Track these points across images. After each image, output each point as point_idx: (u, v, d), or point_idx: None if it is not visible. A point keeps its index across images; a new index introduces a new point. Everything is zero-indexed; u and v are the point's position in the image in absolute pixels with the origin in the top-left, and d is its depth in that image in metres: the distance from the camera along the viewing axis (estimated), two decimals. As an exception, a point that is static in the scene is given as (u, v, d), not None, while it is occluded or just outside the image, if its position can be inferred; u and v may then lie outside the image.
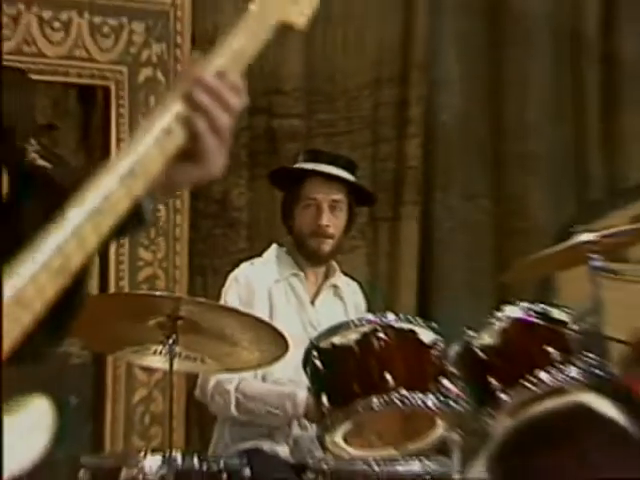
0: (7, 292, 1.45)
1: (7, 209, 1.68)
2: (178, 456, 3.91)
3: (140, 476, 3.86)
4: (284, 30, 1.82)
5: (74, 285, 1.55)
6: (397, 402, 3.68)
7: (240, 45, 1.64)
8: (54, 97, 4.83)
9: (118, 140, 5.02)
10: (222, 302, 4.30)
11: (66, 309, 1.64)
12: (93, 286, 4.77)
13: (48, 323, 1.57)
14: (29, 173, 1.80)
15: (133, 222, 1.64)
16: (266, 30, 1.68)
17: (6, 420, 1.50)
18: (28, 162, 2.09)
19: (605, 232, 4.18)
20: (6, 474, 1.54)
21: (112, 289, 5.08)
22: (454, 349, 3.86)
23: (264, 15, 1.67)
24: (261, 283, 4.30)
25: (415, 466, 3.92)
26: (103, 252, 1.67)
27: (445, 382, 3.74)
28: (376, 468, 3.88)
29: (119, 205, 1.52)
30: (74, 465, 4.05)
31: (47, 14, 4.59)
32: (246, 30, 1.65)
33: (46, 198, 1.71)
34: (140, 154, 1.55)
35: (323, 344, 3.80)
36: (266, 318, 4.06)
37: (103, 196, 1.52)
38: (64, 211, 1.51)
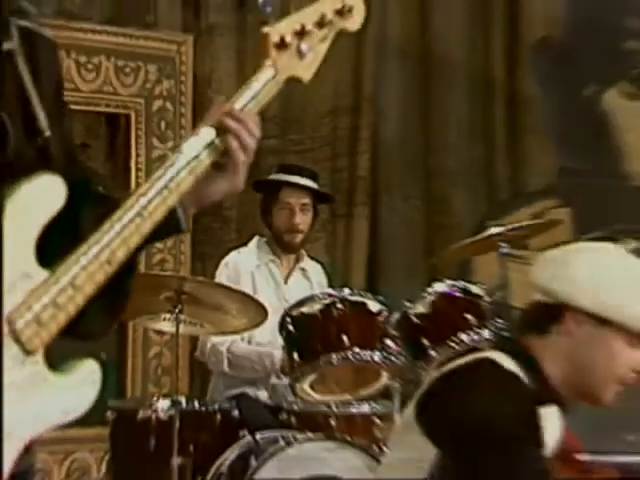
0: (65, 278, 1.46)
1: (66, 212, 1.58)
2: (183, 400, 3.90)
3: (154, 415, 3.86)
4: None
5: (122, 275, 1.54)
6: (351, 358, 3.69)
7: (255, 93, 1.64)
8: (87, 123, 4.89)
9: (137, 155, 5.02)
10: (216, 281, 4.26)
11: (117, 294, 1.62)
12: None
13: (103, 306, 1.57)
14: (81, 183, 1.70)
15: (171, 229, 1.63)
16: (278, 83, 1.67)
17: (64, 377, 1.50)
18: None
19: (510, 226, 4.20)
20: (65, 421, 1.53)
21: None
22: (395, 317, 3.81)
23: (276, 70, 1.66)
24: (245, 267, 4.25)
25: (365, 407, 3.96)
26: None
27: (388, 342, 3.74)
28: (335, 409, 3.90)
29: (156, 212, 1.53)
30: (102, 407, 3.98)
31: (82, 59, 4.68)
32: (261, 81, 1.65)
33: (96, 204, 1.67)
34: (173, 173, 1.54)
35: (294, 313, 3.78)
36: (250, 293, 4.04)
37: (143, 204, 1.52)
38: (112, 214, 1.51)
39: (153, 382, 5.37)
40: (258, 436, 3.82)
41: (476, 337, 3.73)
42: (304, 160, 5.24)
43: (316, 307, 3.83)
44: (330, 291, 4.03)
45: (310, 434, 3.81)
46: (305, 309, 3.84)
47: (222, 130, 1.59)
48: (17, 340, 1.46)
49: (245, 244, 4.32)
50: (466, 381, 2.20)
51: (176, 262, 5.28)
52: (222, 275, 4.21)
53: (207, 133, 1.58)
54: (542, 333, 2.21)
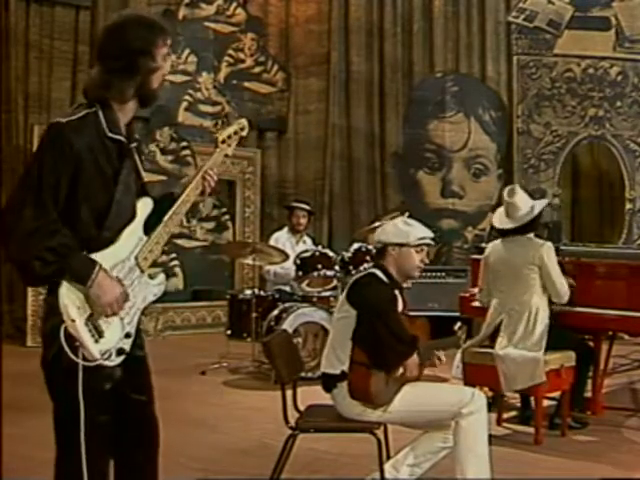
0: (154, 238, 2.15)
1: (152, 211, 2.30)
2: (256, 290, 6.09)
3: (245, 297, 6.03)
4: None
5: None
6: (322, 274, 5.80)
7: (219, 160, 2.32)
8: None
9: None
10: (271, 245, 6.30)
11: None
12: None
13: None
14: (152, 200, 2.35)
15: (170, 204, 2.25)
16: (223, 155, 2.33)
17: (153, 281, 2.20)
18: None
19: (379, 223, 5.47)
20: (153, 300, 2.21)
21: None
22: (339, 258, 5.89)
23: (224, 151, 2.36)
24: (280, 240, 6.50)
25: (328, 293, 5.96)
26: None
27: (336, 267, 5.89)
28: (315, 294, 5.90)
29: (182, 210, 2.23)
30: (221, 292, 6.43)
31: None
32: (219, 156, 2.34)
33: (156, 206, 2.31)
34: (186, 195, 2.25)
35: (300, 256, 5.92)
36: (283, 249, 6.15)
37: (180, 203, 2.23)
38: (167, 211, 2.24)
39: (245, 282, 8.66)
40: (285, 305, 5.89)
41: (367, 265, 5.39)
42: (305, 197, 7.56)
43: (307, 254, 5.95)
44: (314, 248, 6.21)
45: (306, 304, 5.83)
46: (303, 255, 5.96)
47: (204, 178, 2.22)
48: (138, 266, 2.12)
49: (280, 229, 6.75)
50: (365, 282, 3.02)
51: (255, 237, 8.76)
52: (271, 241, 6.48)
53: (199, 179, 2.20)
54: (382, 258, 3.09)
